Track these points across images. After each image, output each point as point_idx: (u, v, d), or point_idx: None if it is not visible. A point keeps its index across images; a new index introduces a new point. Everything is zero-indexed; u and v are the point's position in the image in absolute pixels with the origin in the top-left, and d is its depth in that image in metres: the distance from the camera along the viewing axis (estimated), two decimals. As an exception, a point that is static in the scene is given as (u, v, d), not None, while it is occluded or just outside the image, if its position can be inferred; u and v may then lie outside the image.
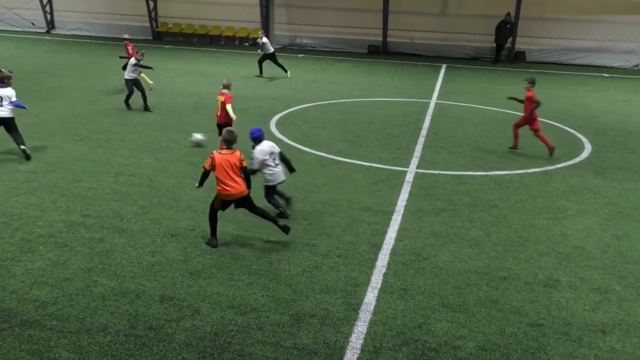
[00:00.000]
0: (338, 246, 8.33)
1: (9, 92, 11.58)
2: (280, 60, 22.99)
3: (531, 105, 12.84)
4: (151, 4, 32.70)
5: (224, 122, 11.87)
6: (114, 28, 33.49)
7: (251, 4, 31.22)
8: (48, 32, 34.41)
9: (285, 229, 8.31)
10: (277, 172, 8.97)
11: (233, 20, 32.18)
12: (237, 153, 7.99)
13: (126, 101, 16.36)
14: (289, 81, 21.68)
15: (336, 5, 30.34)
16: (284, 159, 9.17)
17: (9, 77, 11.80)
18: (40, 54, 26.40)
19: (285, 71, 22.63)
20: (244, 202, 8.20)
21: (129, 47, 19.40)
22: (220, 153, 7.90)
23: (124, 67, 18.56)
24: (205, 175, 8.05)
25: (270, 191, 9.12)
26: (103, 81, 20.09)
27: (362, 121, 15.88)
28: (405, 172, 11.73)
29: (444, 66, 26.73)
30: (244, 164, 8.03)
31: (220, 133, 12.43)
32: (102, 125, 14.40)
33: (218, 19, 32.24)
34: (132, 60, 16.24)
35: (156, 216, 9.12)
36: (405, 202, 10.07)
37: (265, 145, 8.86)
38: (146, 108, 16.31)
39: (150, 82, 16.85)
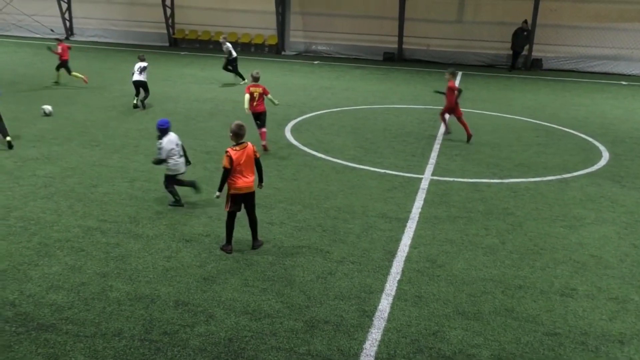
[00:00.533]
0: (352, 253, 8.31)
1: None
2: (241, 68, 22.67)
3: (452, 94, 14.51)
4: (168, 10, 33.00)
5: (262, 110, 13.17)
6: (131, 35, 33.85)
7: (267, 10, 31.38)
8: (67, 38, 34.78)
9: (255, 246, 8.39)
10: (180, 163, 9.67)
11: (249, 27, 32.38)
12: (250, 145, 8.08)
13: (142, 101, 17.27)
14: (303, 88, 21.74)
15: (352, 12, 30.42)
16: (184, 151, 9.87)
17: None
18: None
19: (243, 78, 22.19)
20: (251, 199, 8.19)
21: (60, 47, 20.01)
22: (234, 149, 7.91)
23: (59, 67, 20.20)
24: (226, 175, 7.88)
25: (171, 180, 9.72)
26: (120, 87, 20.27)
27: (377, 128, 15.86)
28: (420, 179, 11.69)
29: (459, 73, 26.65)
30: (258, 155, 8.17)
31: (258, 122, 13.24)
32: (118, 131, 14.53)
33: (234, 25, 32.45)
34: (144, 65, 17.30)
35: (171, 222, 9.17)
36: (419, 209, 10.04)
37: (173, 137, 9.56)
38: (138, 105, 17.29)
39: (83, 76, 19.99)
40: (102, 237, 8.53)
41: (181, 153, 9.68)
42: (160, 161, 9.48)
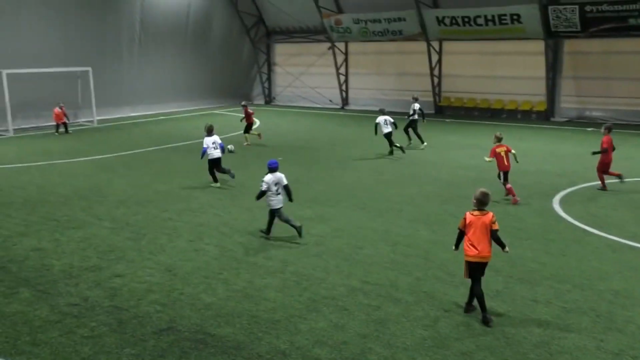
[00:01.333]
0: (633, 346, 7.31)
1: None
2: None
3: (608, 150, 14.89)
4: (436, 79, 34.09)
5: (509, 168, 14.33)
6: (400, 103, 35.58)
7: (536, 76, 30.49)
8: (342, 108, 38.10)
9: (486, 321, 7.90)
10: (278, 199, 11.37)
11: (516, 93, 31.74)
12: (490, 215, 7.98)
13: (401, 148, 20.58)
14: (574, 156, 20.32)
15: (633, 74, 27.87)
16: (287, 190, 11.56)
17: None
18: (334, 127, 29.24)
19: (422, 141, 22.46)
20: (482, 269, 8.06)
21: (247, 110, 23.68)
22: (472, 214, 8.03)
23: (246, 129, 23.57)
24: (460, 236, 8.28)
25: (274, 214, 11.51)
26: (387, 153, 21.28)
27: (664, 203, 14.00)
28: None
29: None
30: (495, 226, 7.96)
31: (505, 179, 14.12)
32: (383, 195, 15.18)
33: (501, 92, 32.11)
34: (386, 119, 20.23)
35: (430, 289, 9.15)
36: None
37: (276, 175, 11.33)
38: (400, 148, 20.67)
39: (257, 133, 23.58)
40: (364, 298, 8.86)
41: (279, 191, 11.32)
42: (261, 193, 11.29)
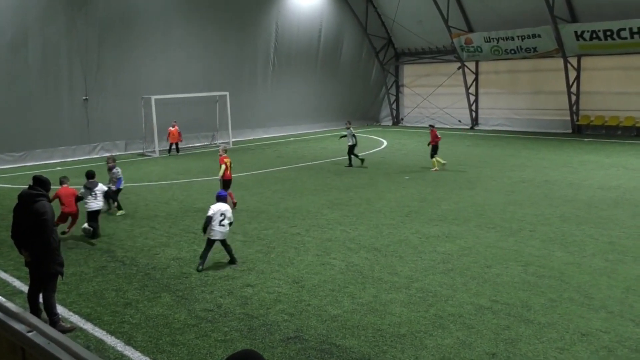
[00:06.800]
0: None
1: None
2: None
3: None
4: (573, 97, 32.36)
5: None
6: (534, 123, 34.20)
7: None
8: (472, 128, 37.23)
9: None
10: (216, 231, 11.03)
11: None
12: None
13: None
14: None
15: None
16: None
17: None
18: (463, 147, 28.60)
19: None
20: None
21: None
22: None
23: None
24: None
25: (209, 243, 11.17)
26: (519, 173, 20.48)
27: None
28: None
29: None
30: None
31: None
32: (515, 215, 14.59)
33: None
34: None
35: (565, 311, 8.64)
36: None
37: (223, 206, 11.10)
38: None
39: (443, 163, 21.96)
40: (493, 317, 8.55)
41: (223, 223, 11.02)
42: (207, 221, 10.98)
